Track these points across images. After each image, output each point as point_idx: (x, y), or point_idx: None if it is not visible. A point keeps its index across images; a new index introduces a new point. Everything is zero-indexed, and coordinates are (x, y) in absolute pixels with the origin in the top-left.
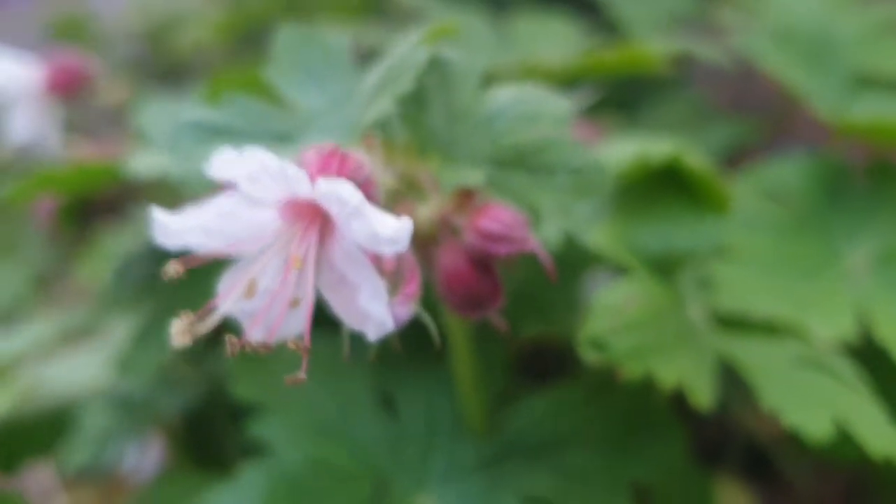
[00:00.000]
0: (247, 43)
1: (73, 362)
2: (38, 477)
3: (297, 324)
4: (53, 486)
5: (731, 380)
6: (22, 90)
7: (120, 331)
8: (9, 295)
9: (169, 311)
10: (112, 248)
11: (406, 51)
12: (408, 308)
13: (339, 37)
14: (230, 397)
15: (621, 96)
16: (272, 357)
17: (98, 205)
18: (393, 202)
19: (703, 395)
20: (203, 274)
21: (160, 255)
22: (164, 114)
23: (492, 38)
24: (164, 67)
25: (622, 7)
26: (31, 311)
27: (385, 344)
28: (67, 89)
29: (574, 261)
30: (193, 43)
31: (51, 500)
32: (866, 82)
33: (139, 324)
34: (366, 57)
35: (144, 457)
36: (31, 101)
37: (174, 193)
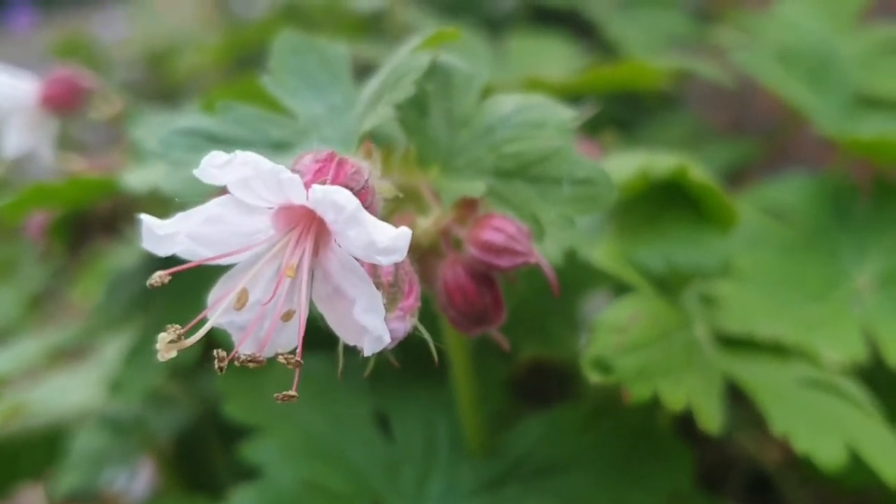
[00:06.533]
0: (244, 67)
1: (64, 382)
2: (28, 500)
3: (290, 337)
4: None
5: (732, 403)
6: (15, 104)
7: (111, 350)
8: (4, 314)
9: (160, 330)
10: (106, 266)
11: (406, 56)
12: (405, 322)
13: (338, 45)
14: (222, 418)
15: (620, 116)
16: (265, 376)
17: (92, 222)
18: (392, 213)
19: (712, 417)
20: (196, 291)
21: (151, 273)
22: (160, 127)
23: (487, 55)
24: (163, 91)
25: (619, 29)
26: (26, 330)
27: (381, 362)
28: (61, 102)
29: (575, 279)
30: (192, 67)
31: None
32: (868, 101)
33: (130, 343)
34: (364, 72)
35: (135, 479)
36: (24, 116)
37: (168, 209)
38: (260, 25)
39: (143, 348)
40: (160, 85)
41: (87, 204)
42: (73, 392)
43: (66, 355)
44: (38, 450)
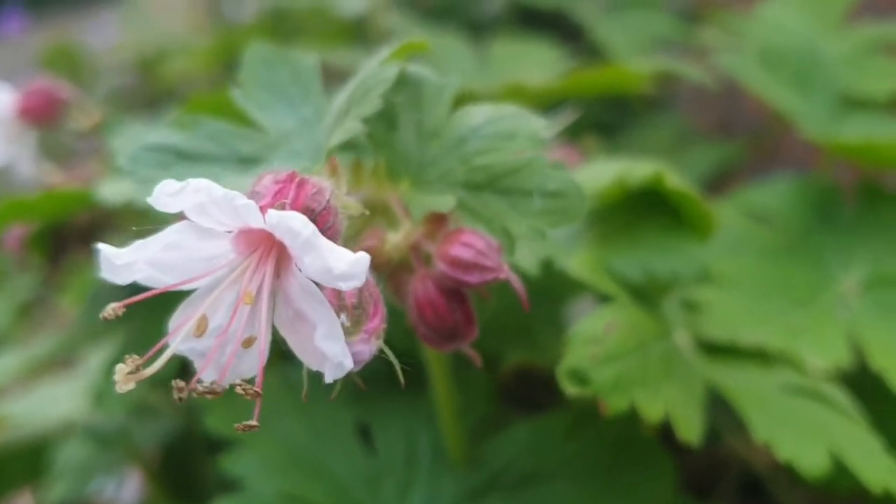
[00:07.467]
0: (232, 70)
1: (50, 392)
2: None
3: (252, 363)
4: None
5: (722, 407)
6: None
7: (95, 360)
8: None
9: (142, 341)
10: (93, 276)
11: (374, 69)
12: (371, 345)
13: (309, 56)
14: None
15: (603, 120)
16: None
17: (70, 234)
18: (361, 229)
19: (692, 427)
20: (177, 302)
21: (133, 285)
22: (139, 138)
23: (471, 60)
24: (153, 96)
25: (604, 31)
26: (16, 338)
27: (361, 375)
28: (39, 114)
29: (557, 286)
30: (181, 72)
31: None
32: (854, 103)
33: (111, 353)
34: (343, 79)
35: (124, 488)
36: (2, 128)
37: (145, 221)
38: (248, 30)
39: (123, 359)
40: (151, 90)
41: (65, 216)
42: (59, 403)
43: (55, 364)
44: (23, 461)
